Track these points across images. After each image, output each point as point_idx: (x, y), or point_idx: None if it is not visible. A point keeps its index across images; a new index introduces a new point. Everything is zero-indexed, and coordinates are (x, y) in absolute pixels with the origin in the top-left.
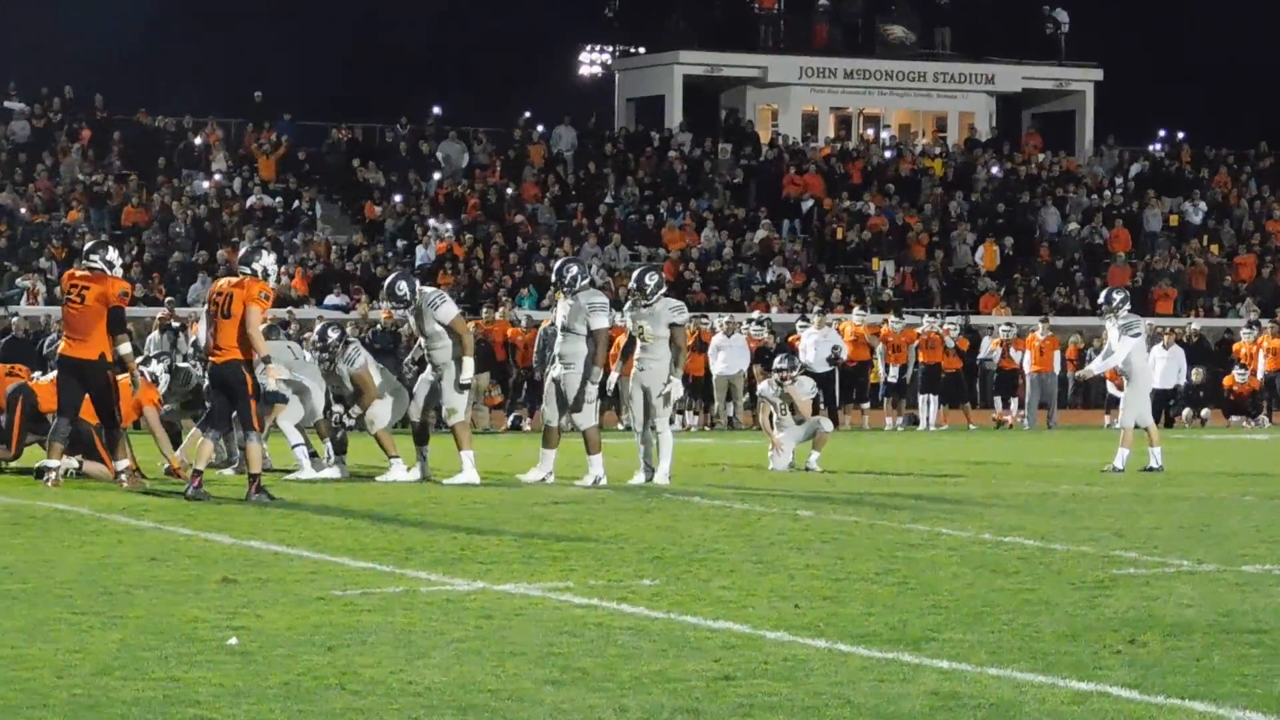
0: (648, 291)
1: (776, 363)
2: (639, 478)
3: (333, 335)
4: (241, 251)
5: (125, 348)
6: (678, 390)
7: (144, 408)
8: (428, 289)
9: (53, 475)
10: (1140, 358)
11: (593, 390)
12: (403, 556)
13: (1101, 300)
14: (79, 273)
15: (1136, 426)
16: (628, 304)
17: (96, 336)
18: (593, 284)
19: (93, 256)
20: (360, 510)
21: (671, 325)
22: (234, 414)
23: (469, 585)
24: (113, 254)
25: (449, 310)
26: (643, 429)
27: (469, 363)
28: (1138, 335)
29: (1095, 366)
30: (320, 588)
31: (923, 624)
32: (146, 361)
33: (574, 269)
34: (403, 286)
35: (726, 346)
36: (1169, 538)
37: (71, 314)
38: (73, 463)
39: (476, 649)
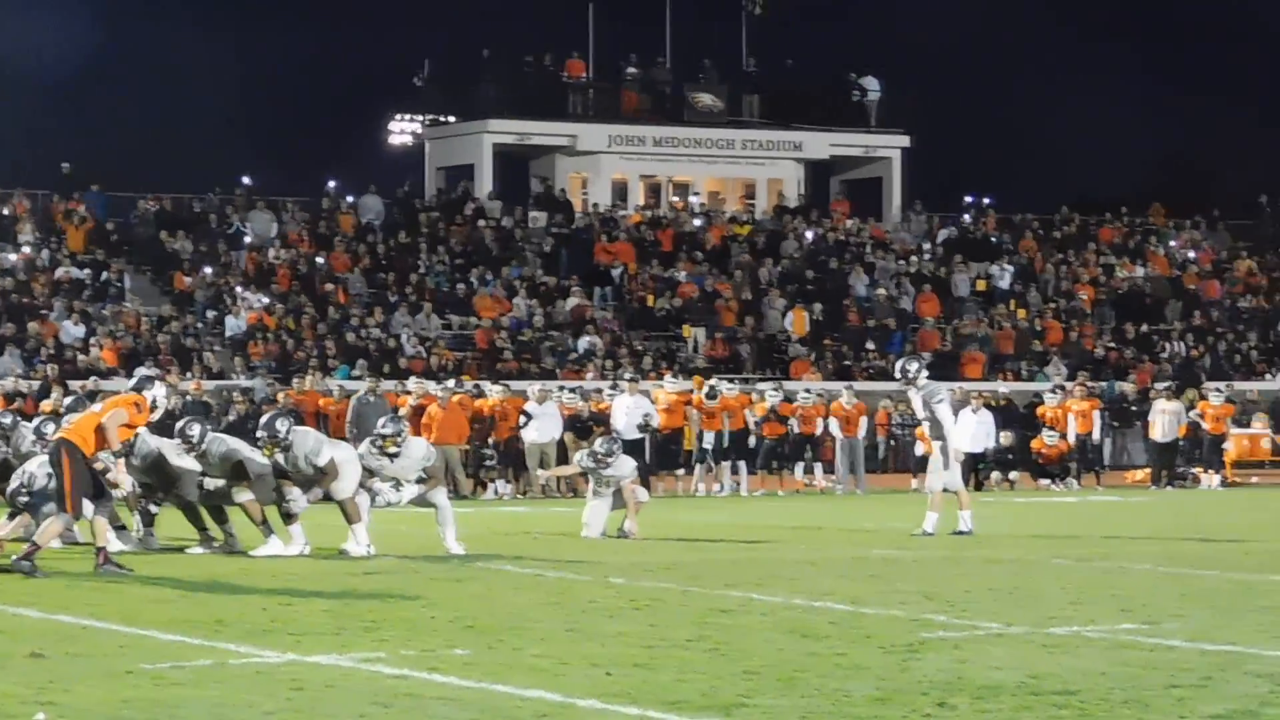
0: (399, 440)
1: (598, 445)
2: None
3: (281, 427)
4: (133, 380)
5: None
6: (408, 493)
7: None
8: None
9: None
10: (948, 421)
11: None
12: (213, 628)
13: (898, 374)
14: None
15: (946, 490)
16: (373, 448)
17: None
18: (292, 426)
19: None
20: (170, 582)
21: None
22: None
23: (280, 656)
24: None
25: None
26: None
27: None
28: (942, 401)
29: (953, 446)
30: (130, 661)
31: (735, 690)
32: None
33: (280, 424)
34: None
35: (539, 415)
36: (979, 601)
37: None
38: None
39: None
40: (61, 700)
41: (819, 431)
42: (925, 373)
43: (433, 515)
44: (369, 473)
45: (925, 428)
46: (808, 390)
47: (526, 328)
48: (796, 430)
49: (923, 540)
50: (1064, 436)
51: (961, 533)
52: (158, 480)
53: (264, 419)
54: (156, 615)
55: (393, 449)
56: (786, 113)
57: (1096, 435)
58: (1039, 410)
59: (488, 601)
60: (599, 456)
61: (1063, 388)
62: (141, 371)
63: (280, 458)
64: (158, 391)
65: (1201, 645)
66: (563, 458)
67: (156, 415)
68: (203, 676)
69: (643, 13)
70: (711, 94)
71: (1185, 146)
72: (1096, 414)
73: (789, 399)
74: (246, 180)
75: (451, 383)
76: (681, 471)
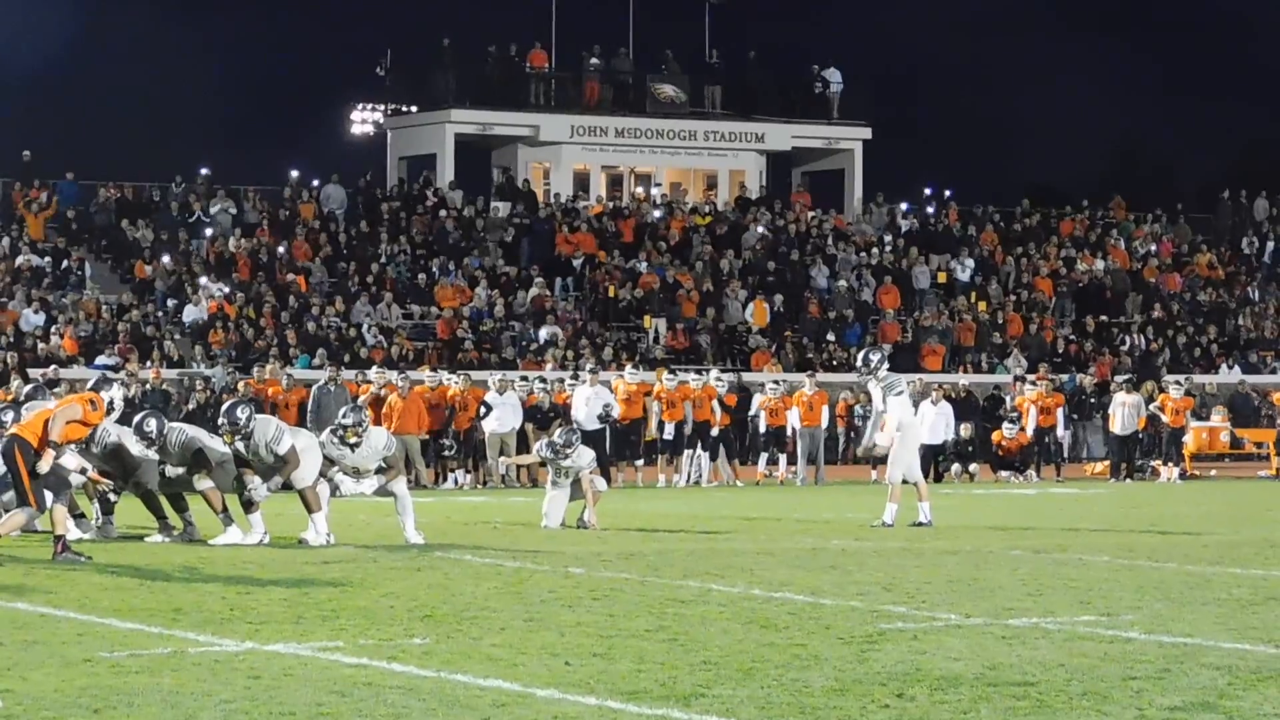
0: (360, 430)
1: (556, 436)
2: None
3: (242, 415)
4: (92, 380)
5: None
6: (369, 484)
7: None
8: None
9: None
10: (907, 413)
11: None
12: (171, 617)
13: (859, 364)
14: None
15: (905, 481)
16: (333, 438)
17: None
18: (253, 414)
19: None
20: (128, 571)
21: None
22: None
23: (238, 646)
24: None
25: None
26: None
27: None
28: (901, 393)
29: (880, 439)
30: (87, 649)
31: (693, 680)
32: None
33: (241, 412)
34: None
35: (499, 404)
36: (937, 592)
37: None
38: None
39: (245, 710)
40: (18, 688)
41: (788, 424)
42: (886, 364)
43: (391, 504)
44: (329, 463)
45: (886, 419)
46: (776, 382)
47: (487, 318)
48: (764, 424)
49: (881, 531)
50: (1024, 429)
51: (920, 524)
52: (117, 469)
53: (225, 406)
54: (114, 603)
55: (354, 439)
56: (748, 104)
57: (1060, 431)
58: (1018, 402)
59: (446, 591)
60: (558, 447)
61: (1023, 378)
62: (102, 360)
63: (241, 445)
64: (115, 393)
65: (1159, 637)
66: (523, 448)
67: (113, 417)
68: (160, 665)
69: (605, 4)
70: (673, 85)
71: (1146, 140)
72: (1060, 410)
73: (746, 389)
74: (205, 171)
75: (423, 372)
76: (641, 462)
